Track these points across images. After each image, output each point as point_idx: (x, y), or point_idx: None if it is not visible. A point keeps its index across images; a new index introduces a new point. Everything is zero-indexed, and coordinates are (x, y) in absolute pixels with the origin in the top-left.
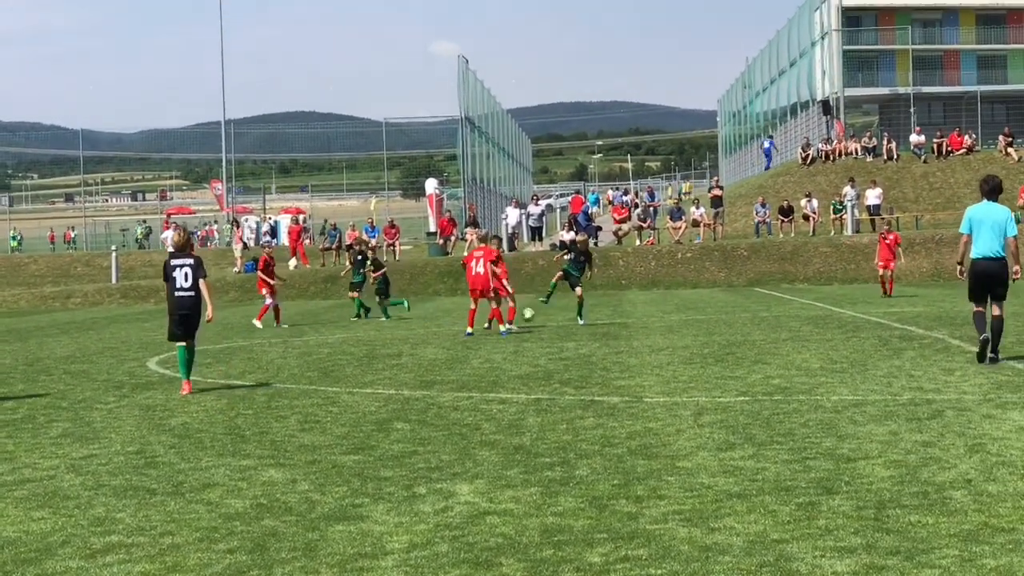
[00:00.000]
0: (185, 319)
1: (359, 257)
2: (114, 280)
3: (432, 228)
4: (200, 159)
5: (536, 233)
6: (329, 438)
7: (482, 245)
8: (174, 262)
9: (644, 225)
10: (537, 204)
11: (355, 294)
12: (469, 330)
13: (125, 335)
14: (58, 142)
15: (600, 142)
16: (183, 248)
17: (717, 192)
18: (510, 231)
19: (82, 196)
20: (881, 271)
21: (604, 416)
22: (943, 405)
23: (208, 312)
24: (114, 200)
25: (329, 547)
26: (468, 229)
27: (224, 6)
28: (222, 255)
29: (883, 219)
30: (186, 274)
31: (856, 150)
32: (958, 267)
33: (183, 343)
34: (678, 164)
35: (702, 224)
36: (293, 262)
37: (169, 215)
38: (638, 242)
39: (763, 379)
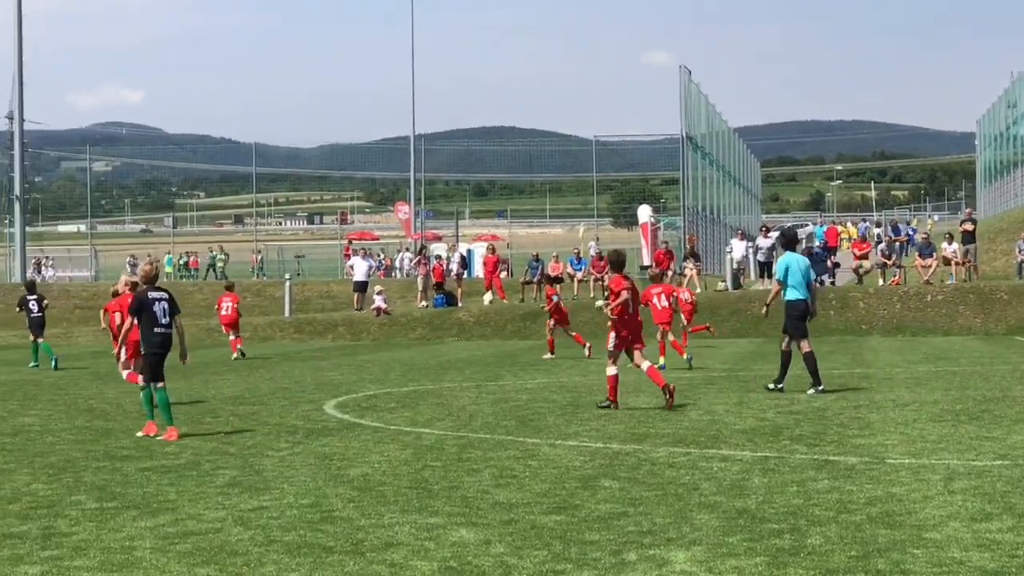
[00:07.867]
0: (163, 358)
1: None
2: (287, 313)
3: (646, 261)
4: (385, 178)
5: (765, 268)
6: (527, 495)
7: (662, 283)
8: (152, 295)
9: (889, 262)
10: (767, 236)
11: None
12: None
13: (299, 374)
14: (228, 157)
15: (839, 167)
16: (153, 280)
17: (968, 227)
18: (735, 266)
19: (253, 218)
20: None
21: (840, 478)
22: None
23: (185, 354)
24: (288, 223)
25: None
26: (687, 263)
27: (416, 10)
28: (407, 287)
29: None
30: (164, 309)
31: None
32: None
33: (162, 384)
34: (928, 193)
35: (954, 262)
36: (488, 296)
37: (351, 240)
38: (881, 282)
39: None
